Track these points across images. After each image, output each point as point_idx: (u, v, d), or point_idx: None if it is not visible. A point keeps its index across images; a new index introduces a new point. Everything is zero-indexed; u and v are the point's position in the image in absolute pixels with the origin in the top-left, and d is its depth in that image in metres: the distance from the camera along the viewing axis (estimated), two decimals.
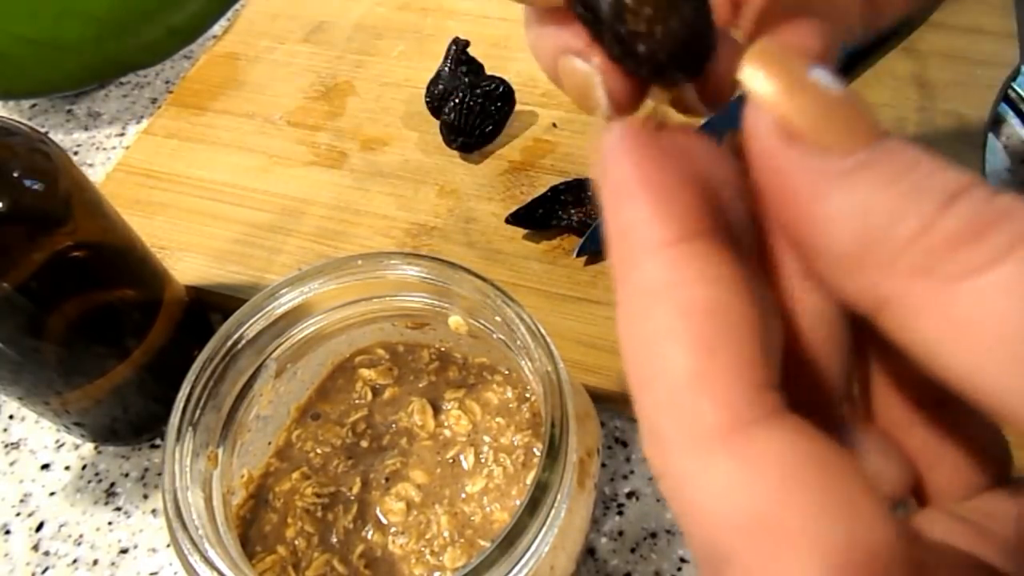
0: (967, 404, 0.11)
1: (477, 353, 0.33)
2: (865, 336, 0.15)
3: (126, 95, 0.56)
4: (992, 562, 0.14)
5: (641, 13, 0.13)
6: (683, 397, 0.11)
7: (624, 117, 0.14)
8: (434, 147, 0.47)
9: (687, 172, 0.13)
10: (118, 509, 0.37)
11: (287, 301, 0.29)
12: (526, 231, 0.42)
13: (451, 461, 0.31)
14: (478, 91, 0.45)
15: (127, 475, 0.38)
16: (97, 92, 0.57)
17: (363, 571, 0.29)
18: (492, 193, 0.45)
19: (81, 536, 0.37)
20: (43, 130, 0.48)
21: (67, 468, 0.39)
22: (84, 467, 0.39)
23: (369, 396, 0.33)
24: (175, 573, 0.35)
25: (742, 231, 0.14)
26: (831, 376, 0.15)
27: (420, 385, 0.33)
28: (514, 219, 0.41)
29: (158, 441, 0.39)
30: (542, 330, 0.27)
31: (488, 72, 0.47)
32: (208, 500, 0.27)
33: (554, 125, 0.47)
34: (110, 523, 0.37)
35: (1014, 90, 0.47)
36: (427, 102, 0.47)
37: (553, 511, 0.24)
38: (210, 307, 0.42)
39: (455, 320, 0.30)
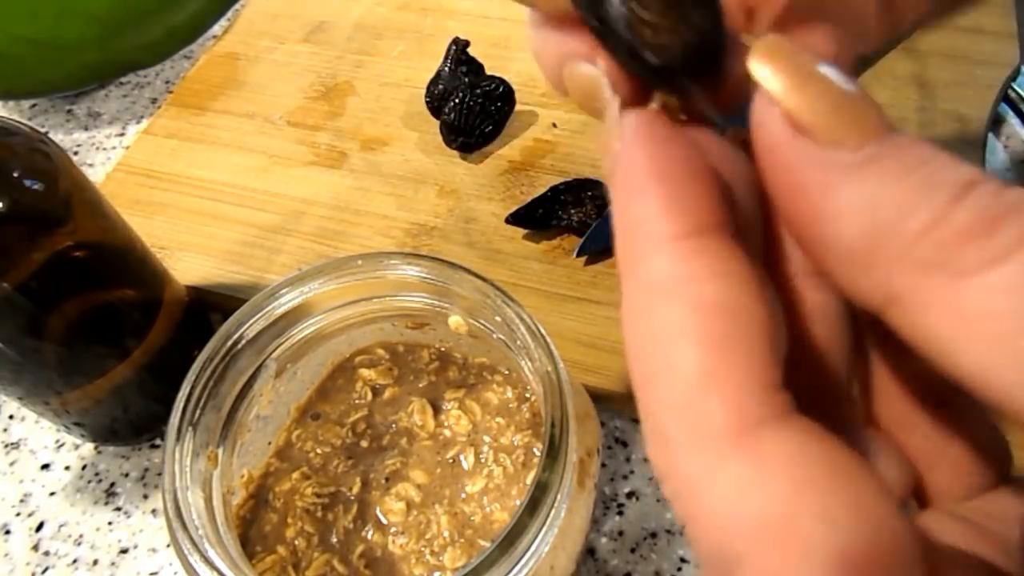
0: (967, 403, 0.11)
1: (477, 353, 0.33)
2: (866, 336, 0.15)
3: (126, 95, 0.56)
4: (993, 562, 0.14)
5: (652, 23, 0.13)
6: (692, 396, 0.11)
7: (635, 111, 0.14)
8: (434, 147, 0.47)
9: (699, 166, 0.13)
10: (118, 509, 0.37)
11: (287, 301, 0.29)
12: (526, 231, 0.42)
13: (451, 461, 0.31)
14: (478, 91, 0.45)
15: (127, 475, 0.38)
16: (97, 92, 0.57)
17: (363, 571, 0.29)
18: (492, 193, 0.45)
19: (81, 536, 0.37)
20: (43, 130, 0.48)
21: (67, 468, 0.39)
22: (84, 467, 0.39)
23: (369, 396, 0.33)
24: (175, 573, 0.35)
25: (751, 227, 0.14)
26: (833, 375, 0.15)
27: (420, 385, 0.33)
28: (514, 219, 0.41)
29: (158, 441, 0.39)
30: (542, 330, 0.27)
31: (488, 72, 0.47)
32: (208, 500, 0.27)
33: (554, 125, 0.47)
34: (110, 523, 0.37)
35: (1014, 90, 0.47)
36: (427, 102, 0.47)
37: (553, 511, 0.24)
38: (210, 307, 0.42)
39: (455, 320, 0.30)
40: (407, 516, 0.30)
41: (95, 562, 0.36)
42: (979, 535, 0.14)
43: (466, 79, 0.46)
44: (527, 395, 0.32)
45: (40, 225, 0.30)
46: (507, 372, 0.33)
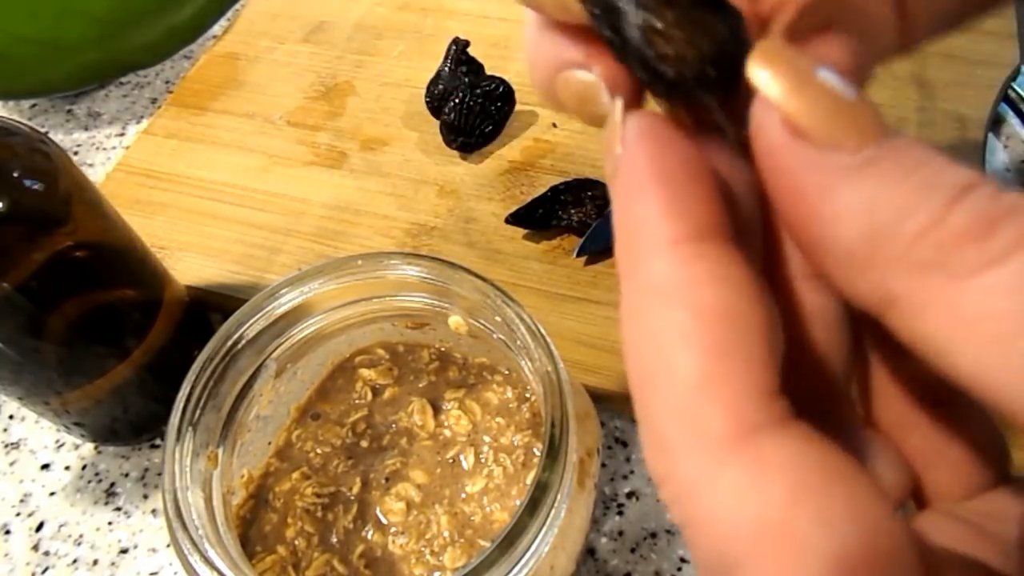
0: (965, 404, 0.11)
1: (477, 353, 0.33)
2: (865, 337, 0.15)
3: (126, 95, 0.56)
4: (992, 563, 0.14)
5: (668, 35, 0.13)
6: (691, 402, 0.11)
7: (638, 112, 0.14)
8: (434, 147, 0.47)
9: (700, 169, 0.13)
10: (118, 509, 0.37)
11: (287, 301, 0.29)
12: (526, 231, 0.42)
13: (451, 461, 0.31)
14: (478, 91, 0.45)
15: (127, 475, 0.39)
16: (97, 92, 0.57)
17: (363, 571, 0.29)
18: (492, 193, 0.45)
19: (81, 536, 0.37)
20: (43, 130, 0.48)
21: (67, 468, 0.39)
22: (84, 467, 0.39)
23: (369, 396, 0.33)
24: (175, 573, 0.35)
25: (752, 228, 0.14)
26: (832, 377, 0.15)
27: (420, 385, 0.33)
28: (514, 219, 0.41)
29: (158, 441, 0.39)
30: (542, 330, 0.27)
31: (488, 72, 0.47)
32: (208, 500, 0.27)
33: (554, 125, 0.47)
34: (110, 523, 0.37)
35: (1014, 90, 0.47)
36: (427, 102, 0.47)
37: (553, 511, 0.24)
38: (210, 307, 0.42)
39: (455, 320, 0.30)
40: (407, 516, 0.30)
41: (95, 562, 0.36)
42: (977, 536, 0.14)
43: (466, 79, 0.46)
44: (527, 395, 0.32)
45: (40, 225, 0.30)
46: (507, 372, 0.33)
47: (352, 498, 0.31)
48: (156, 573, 0.36)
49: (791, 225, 0.13)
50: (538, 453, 0.30)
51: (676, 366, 0.11)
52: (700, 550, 0.11)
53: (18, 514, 0.38)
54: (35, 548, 0.37)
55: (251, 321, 0.29)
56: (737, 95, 0.13)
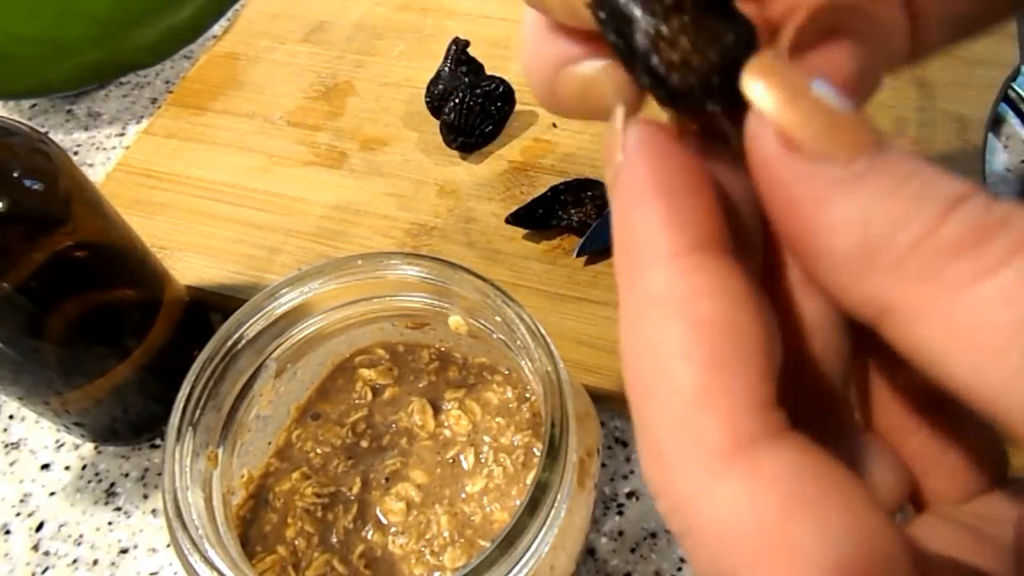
0: (963, 408, 0.11)
1: (477, 353, 0.33)
2: (862, 343, 0.15)
3: (126, 95, 0.56)
4: (988, 567, 0.14)
5: (677, 43, 0.12)
6: (688, 414, 0.11)
7: (640, 118, 0.13)
8: (434, 147, 0.47)
9: (701, 179, 0.13)
10: (118, 509, 0.38)
11: (287, 301, 0.29)
12: (526, 231, 0.42)
13: (451, 461, 0.31)
14: (478, 91, 0.45)
15: (127, 475, 0.39)
16: (97, 92, 0.57)
17: (363, 571, 0.29)
18: (492, 193, 0.45)
19: (81, 536, 0.37)
20: (43, 130, 0.48)
21: (67, 468, 0.39)
22: (84, 467, 0.39)
23: (369, 396, 0.33)
24: (175, 573, 0.35)
25: (752, 237, 0.14)
26: (831, 382, 0.15)
27: (420, 385, 0.33)
28: (514, 219, 0.41)
29: (158, 441, 0.39)
30: (542, 330, 0.27)
31: (488, 72, 0.47)
32: (208, 500, 0.27)
33: (554, 125, 0.47)
34: (110, 523, 0.37)
35: (1014, 90, 0.47)
36: (427, 102, 0.47)
37: (553, 511, 0.24)
38: (210, 307, 0.42)
39: (455, 320, 0.30)
40: (407, 516, 0.30)
41: (95, 562, 0.36)
42: (974, 539, 0.14)
43: (466, 79, 0.46)
44: (527, 395, 0.32)
45: (40, 225, 0.30)
46: (507, 372, 0.33)
47: (352, 498, 0.31)
48: (156, 573, 0.36)
49: (787, 236, 0.13)
50: (538, 453, 0.30)
51: (674, 378, 0.12)
52: (699, 561, 0.11)
53: (18, 514, 0.38)
54: (35, 548, 0.37)
55: (251, 321, 0.29)
56: (743, 104, 0.13)
